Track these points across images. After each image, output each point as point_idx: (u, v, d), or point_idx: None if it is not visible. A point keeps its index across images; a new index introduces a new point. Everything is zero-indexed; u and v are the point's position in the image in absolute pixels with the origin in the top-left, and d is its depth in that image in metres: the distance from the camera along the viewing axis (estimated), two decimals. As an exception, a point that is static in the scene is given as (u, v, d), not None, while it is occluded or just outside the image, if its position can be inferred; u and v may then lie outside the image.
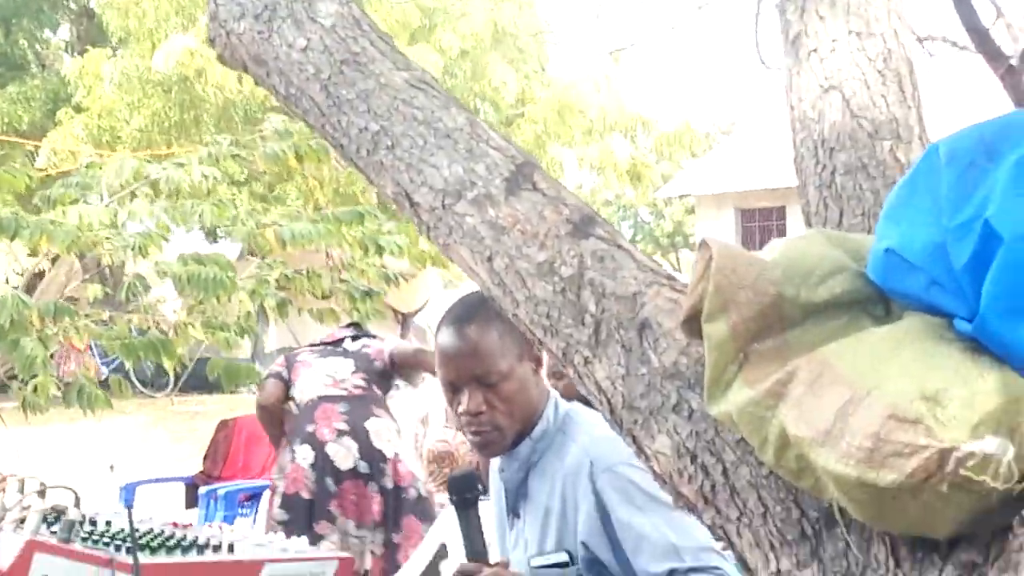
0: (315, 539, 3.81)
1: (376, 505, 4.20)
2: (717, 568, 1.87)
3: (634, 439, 1.16)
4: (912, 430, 0.88)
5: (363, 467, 4.16)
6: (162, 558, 1.84)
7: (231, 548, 1.94)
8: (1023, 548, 0.91)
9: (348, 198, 11.45)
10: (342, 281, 4.90)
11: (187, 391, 13.53)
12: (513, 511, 2.17)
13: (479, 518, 2.08)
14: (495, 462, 2.21)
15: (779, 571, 1.06)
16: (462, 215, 1.25)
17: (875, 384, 0.92)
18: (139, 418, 11.77)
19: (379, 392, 4.44)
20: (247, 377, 4.44)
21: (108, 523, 1.99)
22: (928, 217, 0.97)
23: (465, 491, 2.10)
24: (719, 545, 1.97)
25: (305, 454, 4.11)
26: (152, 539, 1.91)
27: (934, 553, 0.98)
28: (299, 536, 3.22)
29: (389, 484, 4.23)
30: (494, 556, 2.21)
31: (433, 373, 4.34)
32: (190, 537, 1.95)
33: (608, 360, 1.16)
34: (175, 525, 2.11)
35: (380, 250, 4.55)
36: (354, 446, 4.15)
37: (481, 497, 2.17)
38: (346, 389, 4.32)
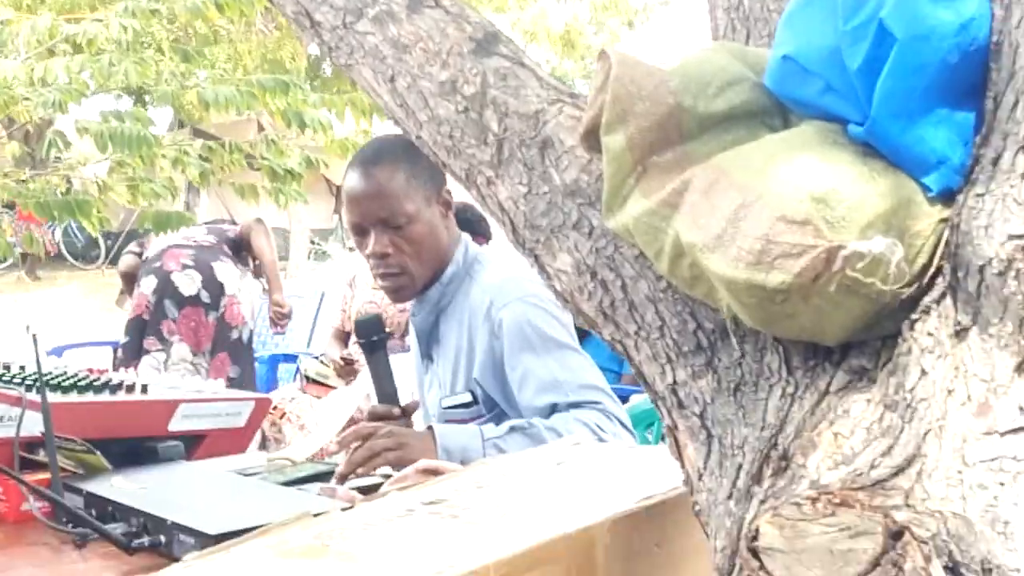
0: (141, 352, 4.18)
1: (212, 332, 4.54)
2: (598, 403, 1.90)
3: (536, 258, 1.16)
4: (800, 231, 0.89)
5: (204, 296, 4.46)
6: (73, 397, 1.83)
7: (144, 389, 1.94)
8: (911, 352, 0.92)
9: (277, 64, 11.23)
10: (263, 158, 4.85)
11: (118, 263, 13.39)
12: (427, 355, 2.19)
13: (387, 361, 2.10)
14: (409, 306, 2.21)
15: (675, 382, 1.07)
16: (363, 34, 1.22)
17: (766, 188, 0.92)
18: (70, 289, 11.66)
19: (228, 249, 4.68)
20: (178, 222, 4.41)
21: (22, 367, 1.97)
22: (825, 22, 0.96)
23: (371, 334, 2.11)
24: (607, 386, 2.00)
25: (150, 283, 4.47)
26: (63, 380, 1.90)
27: (826, 361, 1.00)
28: (134, 357, 3.53)
29: (222, 316, 4.50)
30: (415, 399, 2.22)
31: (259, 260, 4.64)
32: (103, 379, 1.94)
33: (510, 179, 1.15)
34: (90, 371, 2.09)
35: (303, 124, 4.49)
36: (198, 277, 4.52)
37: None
38: (195, 241, 4.61)
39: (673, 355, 1.07)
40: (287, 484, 1.82)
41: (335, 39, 1.24)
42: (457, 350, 2.08)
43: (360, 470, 1.86)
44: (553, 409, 1.95)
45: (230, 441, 2.00)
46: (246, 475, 1.85)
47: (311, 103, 4.72)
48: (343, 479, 1.85)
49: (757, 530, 0.85)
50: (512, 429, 1.93)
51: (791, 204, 0.90)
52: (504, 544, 1.01)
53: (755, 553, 0.83)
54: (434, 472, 1.56)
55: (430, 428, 1.95)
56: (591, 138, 1.05)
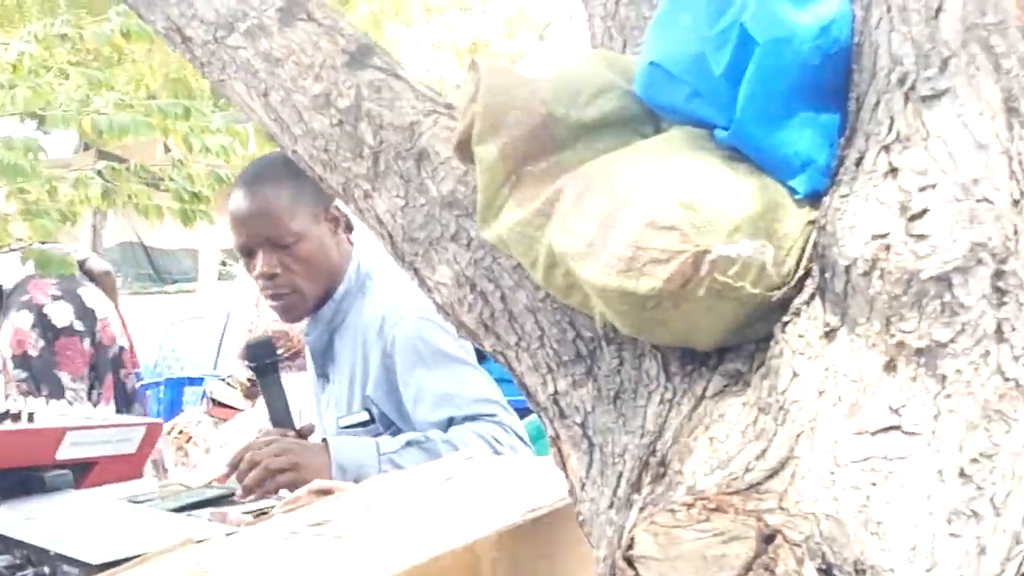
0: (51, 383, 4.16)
1: (87, 359, 4.51)
2: (494, 415, 1.89)
3: (416, 272, 1.15)
4: (668, 236, 0.88)
5: (78, 325, 4.36)
6: (-46, 429, 1.78)
7: (31, 417, 1.89)
8: (783, 354, 0.92)
9: (181, 83, 11.06)
10: (171, 180, 4.77)
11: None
12: (322, 374, 2.16)
13: (280, 385, 2.07)
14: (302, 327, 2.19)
15: (556, 392, 1.06)
16: (235, 48, 1.20)
17: (635, 195, 0.92)
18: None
19: (87, 278, 4.68)
20: (60, 266, 4.32)
21: (-97, 401, 1.91)
22: (690, 28, 0.96)
23: (264, 357, 2.08)
24: (502, 399, 2.00)
25: (24, 318, 4.35)
26: (-55, 412, 1.84)
27: (703, 366, 1.00)
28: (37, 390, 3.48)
29: (97, 341, 4.48)
30: (311, 421, 2.20)
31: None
32: (-12, 410, 1.89)
33: (387, 192, 1.14)
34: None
35: (206, 149, 4.41)
36: (69, 307, 4.37)
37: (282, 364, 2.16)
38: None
39: (553, 365, 1.06)
40: (179, 510, 1.78)
41: (207, 54, 1.22)
42: (352, 368, 2.06)
43: (256, 493, 1.83)
44: (450, 423, 1.93)
45: (121, 468, 1.95)
46: (138, 502, 1.81)
47: (214, 127, 4.64)
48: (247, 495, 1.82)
49: (632, 539, 0.84)
50: (409, 443, 1.91)
51: (659, 210, 0.90)
52: (387, 563, 0.99)
53: (630, 562, 0.83)
54: (327, 493, 1.54)
55: (324, 441, 1.92)
56: (464, 149, 1.05)
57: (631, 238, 0.90)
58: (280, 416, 2.06)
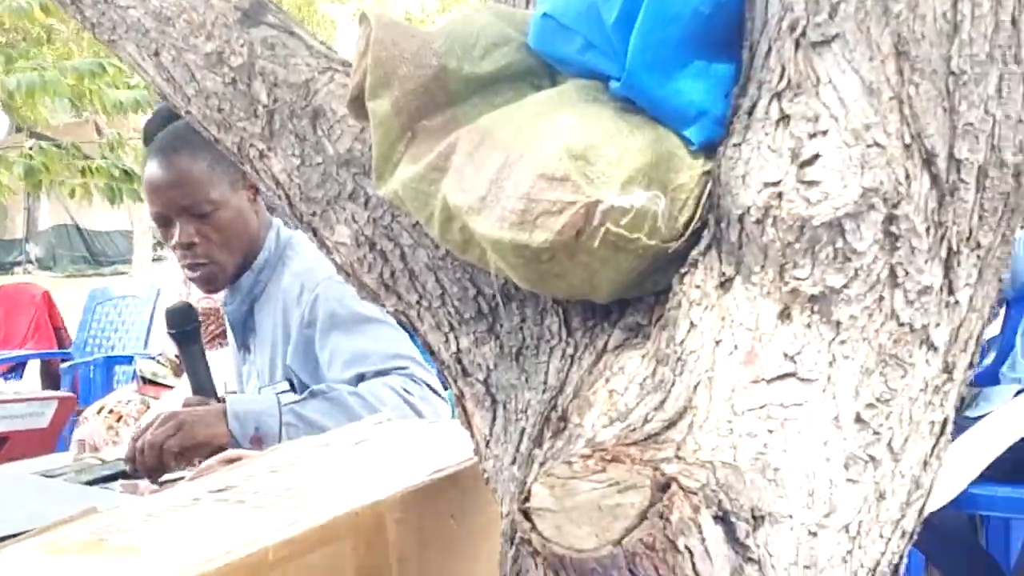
0: None
1: None
2: (405, 368, 1.87)
3: (314, 232, 1.12)
4: (561, 188, 0.87)
5: None
6: None
7: (-62, 395, 1.84)
8: (680, 305, 0.91)
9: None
10: (103, 158, 4.70)
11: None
12: (243, 345, 2.13)
13: (202, 352, 2.03)
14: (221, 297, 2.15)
15: (459, 350, 1.05)
16: (125, 7, 1.17)
17: (528, 147, 0.90)
18: None
19: None
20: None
21: None
22: (584, -23, 0.95)
23: (183, 324, 2.05)
24: (418, 355, 1.98)
25: None
26: None
27: (605, 320, 0.99)
28: None
29: None
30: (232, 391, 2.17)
31: None
32: None
33: (283, 152, 1.12)
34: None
35: (119, 105, 4.34)
36: None
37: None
38: None
39: (455, 323, 1.05)
40: (91, 483, 1.75)
41: (96, 15, 1.19)
42: (273, 338, 2.03)
43: (157, 474, 1.79)
44: (360, 379, 1.91)
45: (34, 442, 1.92)
46: (51, 476, 1.77)
47: (134, 85, 4.57)
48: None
49: (529, 491, 0.83)
50: (312, 394, 1.88)
51: (551, 162, 0.88)
52: (285, 526, 0.97)
53: (527, 514, 0.82)
54: (238, 461, 1.51)
55: (220, 399, 1.88)
56: (357, 105, 1.02)
57: (523, 190, 0.88)
58: (202, 384, 2.02)
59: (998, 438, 2.54)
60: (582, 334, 0.99)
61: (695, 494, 0.81)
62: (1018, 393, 2.92)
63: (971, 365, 0.88)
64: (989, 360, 3.49)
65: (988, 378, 3.38)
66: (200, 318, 4.44)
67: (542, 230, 0.88)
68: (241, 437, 1.85)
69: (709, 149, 0.92)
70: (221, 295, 3.81)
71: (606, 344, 0.97)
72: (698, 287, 0.90)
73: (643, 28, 0.89)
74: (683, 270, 0.92)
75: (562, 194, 0.87)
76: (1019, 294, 3.33)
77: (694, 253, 0.92)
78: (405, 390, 1.85)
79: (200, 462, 1.70)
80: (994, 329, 3.60)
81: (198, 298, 4.53)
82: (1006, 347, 3.36)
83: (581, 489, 0.81)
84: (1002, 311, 3.52)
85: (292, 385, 2.01)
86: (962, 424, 2.80)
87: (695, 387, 0.87)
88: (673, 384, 0.89)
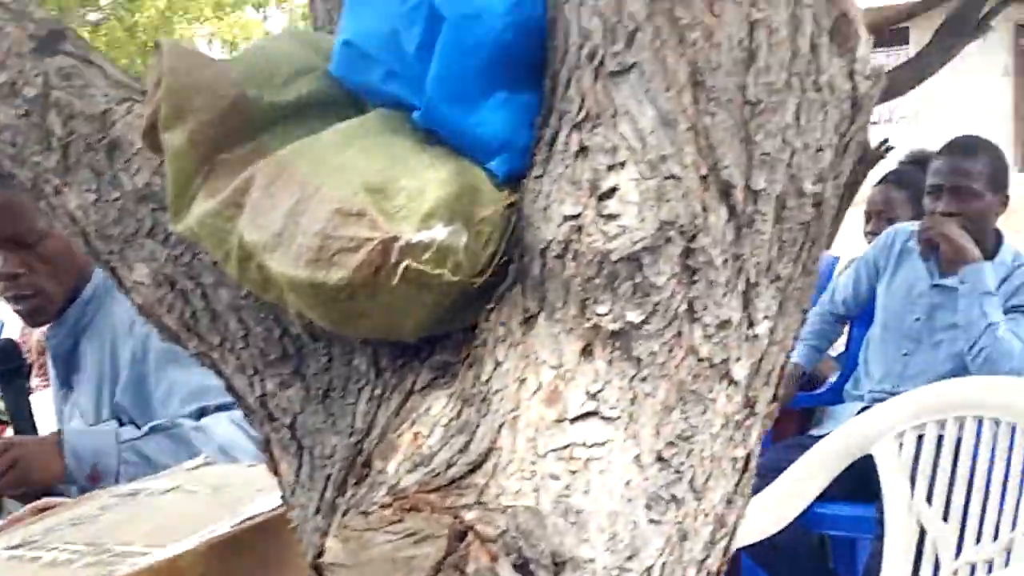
0: None
1: None
2: None
3: (113, 271, 1.07)
4: (357, 223, 0.84)
5: None
6: None
7: None
8: (486, 343, 0.88)
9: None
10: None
11: None
12: (65, 382, 2.03)
13: (25, 392, 1.94)
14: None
15: (264, 394, 1.01)
16: (-92, 36, 1.10)
17: (325, 180, 0.87)
18: None
19: None
20: None
21: None
22: (385, 5, 0.92)
23: (6, 362, 1.95)
24: None
25: None
26: None
27: (415, 358, 0.95)
28: None
29: None
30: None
31: None
32: None
33: (78, 186, 1.06)
34: None
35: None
36: None
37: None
38: None
39: (260, 365, 1.00)
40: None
41: None
42: (100, 374, 1.95)
43: None
44: (201, 414, 1.84)
45: None
46: None
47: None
48: None
49: (323, 546, 0.79)
50: (153, 429, 1.81)
51: (348, 196, 0.85)
52: (76, 586, 0.91)
53: (319, 570, 0.78)
54: (50, 509, 1.44)
55: (58, 432, 1.80)
56: (152, 137, 0.97)
57: (319, 227, 0.85)
58: (21, 423, 1.93)
59: (840, 456, 2.58)
60: (391, 373, 0.95)
61: (494, 542, 0.78)
62: (861, 411, 2.97)
63: (775, 398, 0.87)
64: (834, 378, 3.56)
65: (833, 396, 3.45)
66: (42, 354, 4.28)
67: (339, 268, 0.84)
68: (77, 474, 1.77)
69: (515, 181, 0.90)
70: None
71: (414, 384, 0.93)
72: (503, 324, 0.88)
73: (443, 57, 0.87)
74: (489, 306, 0.90)
75: (359, 230, 0.84)
76: (861, 313, 3.40)
77: (501, 288, 0.89)
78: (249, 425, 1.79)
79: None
80: (838, 347, 3.67)
81: (40, 332, 4.37)
82: (850, 365, 3.43)
83: (376, 542, 0.78)
84: (846, 329, 3.60)
85: (121, 423, 1.93)
86: (806, 443, 2.84)
87: (499, 428, 0.84)
88: (478, 426, 0.86)
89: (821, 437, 2.79)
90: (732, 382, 0.83)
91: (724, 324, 0.82)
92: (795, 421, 3.57)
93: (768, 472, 2.55)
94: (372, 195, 0.84)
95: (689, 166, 0.81)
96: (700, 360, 0.82)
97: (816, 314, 3.33)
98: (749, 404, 0.84)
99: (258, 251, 0.89)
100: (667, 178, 0.81)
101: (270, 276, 0.91)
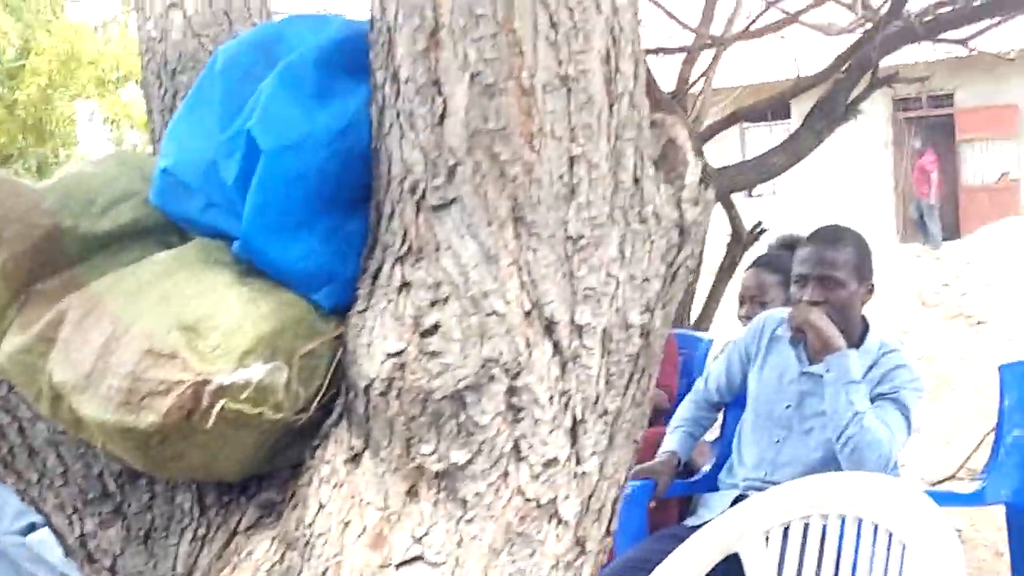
0: None
1: None
2: None
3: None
4: (168, 365, 0.80)
5: None
6: None
7: None
8: (311, 482, 0.85)
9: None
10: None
11: None
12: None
13: None
14: None
15: (84, 534, 0.95)
16: None
17: (137, 317, 0.83)
18: None
19: None
20: None
21: None
22: (205, 132, 0.89)
23: None
24: None
25: None
26: None
27: (242, 495, 0.92)
28: None
29: None
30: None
31: None
32: None
33: None
34: None
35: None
36: None
37: None
38: None
39: (79, 504, 0.95)
40: None
41: None
42: None
43: None
44: (31, 529, 1.76)
45: None
46: None
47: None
48: None
49: None
50: None
51: (160, 335, 0.81)
52: None
53: None
54: None
55: None
56: (-37, 269, 0.93)
57: (129, 368, 0.81)
58: None
59: (710, 553, 2.57)
60: (216, 512, 0.91)
61: None
62: (736, 499, 2.97)
63: (608, 533, 0.85)
64: (708, 467, 3.56)
65: (708, 483, 3.44)
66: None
67: (149, 412, 0.80)
68: None
69: (342, 312, 0.87)
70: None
71: (239, 523, 0.90)
72: (328, 462, 0.85)
73: (262, 188, 0.84)
74: (316, 443, 0.87)
75: (170, 372, 0.80)
76: (735, 400, 3.41)
77: (327, 424, 0.86)
78: None
79: None
80: (712, 434, 3.68)
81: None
82: (724, 452, 3.43)
83: None
84: (720, 416, 3.60)
85: None
86: (681, 534, 2.83)
87: (323, 574, 0.81)
88: (301, 571, 0.82)
89: (697, 527, 2.78)
90: (561, 522, 0.81)
91: (551, 462, 0.80)
92: (675, 507, 3.56)
93: (644, 565, 2.52)
94: (185, 334, 0.81)
95: (512, 302, 0.79)
96: (527, 500, 0.79)
97: (691, 400, 3.33)
98: (579, 543, 0.82)
99: (67, 392, 0.85)
100: (489, 314, 0.79)
101: (81, 418, 0.86)
